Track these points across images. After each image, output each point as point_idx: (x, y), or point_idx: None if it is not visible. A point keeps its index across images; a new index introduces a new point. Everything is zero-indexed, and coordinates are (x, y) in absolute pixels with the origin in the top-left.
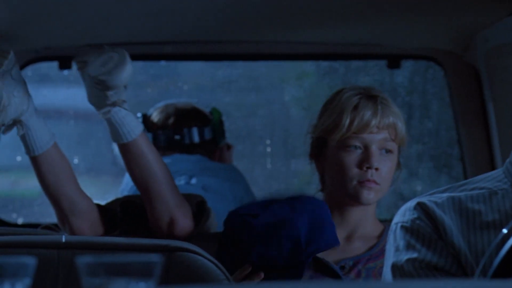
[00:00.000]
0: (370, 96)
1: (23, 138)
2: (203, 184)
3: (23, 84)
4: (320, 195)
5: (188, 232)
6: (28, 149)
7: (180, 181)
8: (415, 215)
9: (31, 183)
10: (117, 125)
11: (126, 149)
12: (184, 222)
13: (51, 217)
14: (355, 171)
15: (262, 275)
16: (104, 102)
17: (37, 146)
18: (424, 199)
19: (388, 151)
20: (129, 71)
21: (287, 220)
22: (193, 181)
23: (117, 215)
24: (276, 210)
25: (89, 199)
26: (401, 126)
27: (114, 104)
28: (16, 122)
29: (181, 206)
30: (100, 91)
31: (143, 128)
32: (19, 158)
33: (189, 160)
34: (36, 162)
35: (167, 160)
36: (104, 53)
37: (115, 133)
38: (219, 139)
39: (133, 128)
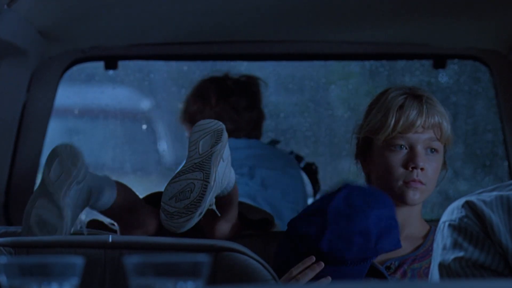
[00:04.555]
0: (415, 96)
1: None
2: (262, 178)
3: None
4: None
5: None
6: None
7: (243, 177)
8: (463, 214)
9: None
10: None
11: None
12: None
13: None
14: (400, 171)
15: (323, 264)
16: None
17: (102, 205)
18: (472, 197)
19: (434, 150)
20: None
21: (361, 214)
22: (254, 175)
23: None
24: (350, 199)
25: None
26: (446, 125)
27: None
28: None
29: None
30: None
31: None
32: None
33: (247, 145)
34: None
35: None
36: None
37: None
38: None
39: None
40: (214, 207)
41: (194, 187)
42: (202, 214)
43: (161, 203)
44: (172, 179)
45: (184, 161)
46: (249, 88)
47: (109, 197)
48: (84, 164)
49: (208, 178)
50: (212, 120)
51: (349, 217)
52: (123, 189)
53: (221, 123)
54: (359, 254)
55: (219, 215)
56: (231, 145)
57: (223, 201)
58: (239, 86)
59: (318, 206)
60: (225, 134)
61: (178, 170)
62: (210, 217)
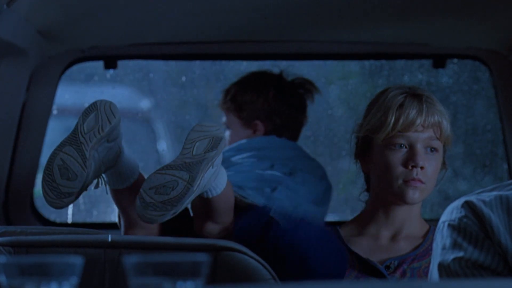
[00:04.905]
0: (415, 95)
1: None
2: (304, 180)
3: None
4: (365, 196)
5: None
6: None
7: (285, 175)
8: (463, 214)
9: None
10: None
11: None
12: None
13: (96, 216)
14: (400, 169)
15: None
16: None
17: (125, 177)
18: (471, 197)
19: (434, 149)
20: None
21: None
22: (296, 176)
23: None
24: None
25: None
26: (446, 124)
27: None
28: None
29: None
30: None
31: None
32: None
33: (291, 146)
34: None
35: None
36: None
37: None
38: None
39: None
40: (189, 206)
41: (176, 186)
42: (176, 214)
43: (140, 190)
44: (158, 170)
45: (177, 156)
46: (302, 90)
47: (132, 173)
48: (119, 123)
49: (193, 182)
50: (215, 125)
51: None
52: (142, 177)
53: (223, 130)
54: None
55: (191, 214)
56: (275, 144)
57: (211, 204)
58: (295, 86)
59: None
60: (223, 143)
61: (167, 163)
62: (200, 215)
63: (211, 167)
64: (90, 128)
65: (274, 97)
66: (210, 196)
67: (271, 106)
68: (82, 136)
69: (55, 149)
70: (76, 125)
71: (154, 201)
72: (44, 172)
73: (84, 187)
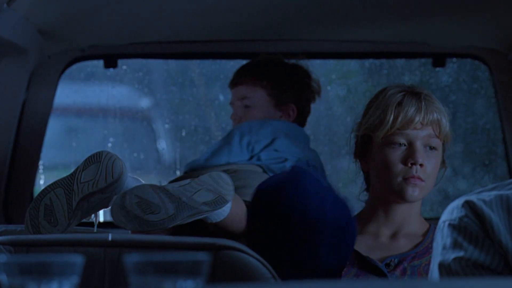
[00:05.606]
0: (414, 93)
1: None
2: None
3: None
4: (365, 195)
5: None
6: None
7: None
8: (463, 213)
9: None
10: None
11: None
12: None
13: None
14: (400, 167)
15: None
16: None
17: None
18: (472, 197)
19: (433, 147)
20: None
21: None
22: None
23: None
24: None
25: None
26: (445, 122)
27: None
28: None
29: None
30: None
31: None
32: (62, 157)
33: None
34: None
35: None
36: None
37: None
38: None
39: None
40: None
41: (157, 212)
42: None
43: (129, 190)
44: (156, 186)
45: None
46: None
47: None
48: (118, 182)
49: (172, 221)
50: (231, 184)
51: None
52: None
53: (232, 194)
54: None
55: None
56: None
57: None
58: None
59: None
60: (226, 207)
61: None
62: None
63: (197, 215)
64: (86, 179)
65: (307, 84)
66: (209, 222)
67: (305, 93)
68: (77, 184)
69: (49, 186)
70: (76, 169)
71: (131, 209)
72: (32, 204)
73: (66, 231)
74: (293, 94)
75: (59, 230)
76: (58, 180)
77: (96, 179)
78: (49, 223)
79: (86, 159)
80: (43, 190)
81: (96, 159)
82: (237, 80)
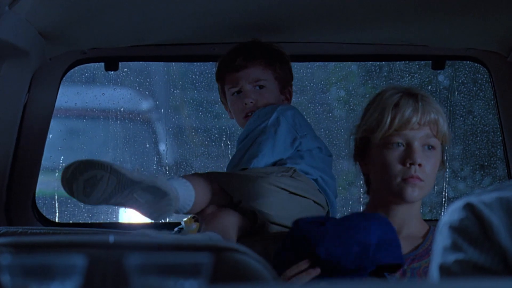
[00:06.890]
0: (411, 94)
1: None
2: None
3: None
4: (365, 198)
5: None
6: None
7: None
8: (463, 215)
9: None
10: None
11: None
12: None
13: (97, 216)
14: (398, 168)
15: (319, 270)
16: None
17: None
18: (472, 199)
19: (431, 147)
20: None
21: (360, 225)
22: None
23: None
24: (350, 217)
25: None
26: (442, 122)
27: None
28: None
29: None
30: None
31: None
32: (64, 159)
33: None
34: None
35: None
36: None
37: None
38: None
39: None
40: None
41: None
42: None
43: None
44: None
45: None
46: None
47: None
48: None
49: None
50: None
51: (348, 227)
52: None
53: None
54: (356, 263)
55: None
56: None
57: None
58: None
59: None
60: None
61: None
62: None
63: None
64: (141, 198)
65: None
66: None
67: (292, 75)
68: (131, 191)
69: (113, 168)
70: (141, 181)
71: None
72: (84, 163)
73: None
74: (290, 77)
75: (90, 202)
76: (121, 171)
77: (147, 207)
78: (84, 190)
79: (153, 185)
80: (104, 164)
81: (159, 194)
82: (245, 63)
